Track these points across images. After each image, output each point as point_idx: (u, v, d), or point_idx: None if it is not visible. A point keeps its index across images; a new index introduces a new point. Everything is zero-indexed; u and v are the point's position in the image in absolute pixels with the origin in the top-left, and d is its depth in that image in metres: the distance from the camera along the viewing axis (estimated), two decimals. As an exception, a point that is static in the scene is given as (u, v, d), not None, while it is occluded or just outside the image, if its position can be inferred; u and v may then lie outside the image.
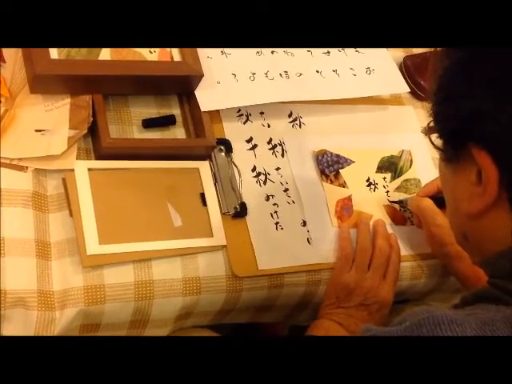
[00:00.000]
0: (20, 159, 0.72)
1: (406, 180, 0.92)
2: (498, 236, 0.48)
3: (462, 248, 0.57)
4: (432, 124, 0.52)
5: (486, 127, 0.46)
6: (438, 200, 0.80)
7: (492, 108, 0.45)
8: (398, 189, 0.91)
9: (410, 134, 0.96)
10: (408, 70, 1.00)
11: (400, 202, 0.88)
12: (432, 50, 0.53)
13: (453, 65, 0.49)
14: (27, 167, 0.72)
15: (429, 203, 0.81)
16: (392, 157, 0.93)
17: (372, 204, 0.88)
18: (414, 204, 0.84)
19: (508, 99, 0.45)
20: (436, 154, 0.94)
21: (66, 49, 0.74)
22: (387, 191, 0.90)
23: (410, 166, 0.94)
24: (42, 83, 0.73)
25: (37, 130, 0.74)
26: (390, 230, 0.86)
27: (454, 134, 0.50)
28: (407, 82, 0.98)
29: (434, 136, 0.53)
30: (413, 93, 0.99)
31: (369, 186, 0.89)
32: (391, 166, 0.92)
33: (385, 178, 0.91)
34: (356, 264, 0.79)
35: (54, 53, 0.73)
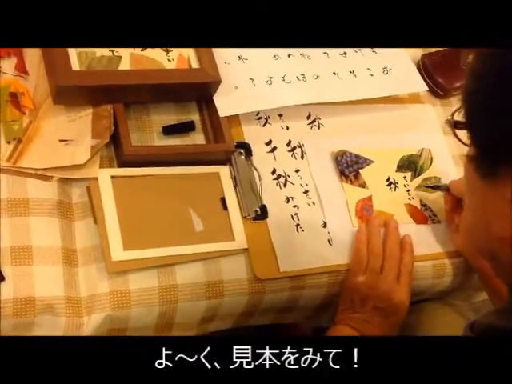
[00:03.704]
0: (45, 169, 0.74)
1: (427, 178, 0.92)
2: None
3: (488, 263, 0.54)
4: (460, 119, 0.48)
5: None
6: None
7: None
8: (418, 187, 0.91)
9: (429, 132, 0.96)
10: (426, 68, 0.99)
11: (437, 187, 0.87)
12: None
13: (502, 69, 0.44)
14: (52, 177, 0.74)
15: None
16: (412, 155, 0.93)
17: (393, 203, 0.88)
18: (460, 187, 0.79)
19: None
20: (456, 152, 0.95)
21: (87, 60, 0.75)
22: (408, 190, 0.90)
23: (431, 165, 0.93)
24: (65, 94, 0.75)
25: (60, 140, 0.76)
26: (411, 229, 0.85)
27: (494, 149, 0.45)
28: (425, 81, 0.98)
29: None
30: (431, 91, 0.99)
31: (389, 185, 0.89)
32: (411, 164, 0.92)
33: (405, 177, 0.91)
34: (368, 268, 0.79)
35: (75, 64, 0.74)
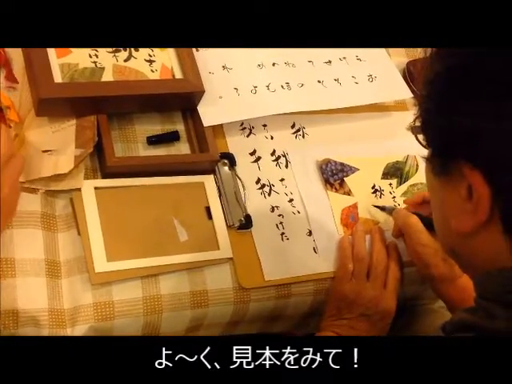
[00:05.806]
0: (31, 182, 0.73)
1: (413, 185, 0.92)
2: (489, 256, 0.47)
3: (452, 259, 0.56)
4: (419, 124, 0.50)
5: (482, 147, 0.43)
6: (424, 220, 0.78)
7: (491, 126, 0.42)
8: (404, 194, 0.91)
9: (414, 139, 0.96)
10: (411, 75, 1.00)
11: (383, 209, 0.86)
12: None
13: (447, 72, 0.46)
14: (38, 189, 0.74)
15: (415, 220, 0.78)
16: (397, 162, 0.93)
17: (378, 210, 0.88)
18: (401, 219, 0.80)
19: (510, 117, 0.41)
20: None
21: (70, 72, 0.76)
22: (393, 197, 0.90)
23: (416, 171, 0.94)
24: (48, 107, 0.75)
25: (44, 151, 0.76)
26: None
27: (445, 149, 0.47)
28: (411, 88, 0.98)
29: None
30: (417, 98, 0.99)
31: (374, 192, 0.90)
32: (397, 171, 0.93)
33: (391, 184, 0.91)
34: (354, 274, 0.79)
35: (57, 76, 0.75)
